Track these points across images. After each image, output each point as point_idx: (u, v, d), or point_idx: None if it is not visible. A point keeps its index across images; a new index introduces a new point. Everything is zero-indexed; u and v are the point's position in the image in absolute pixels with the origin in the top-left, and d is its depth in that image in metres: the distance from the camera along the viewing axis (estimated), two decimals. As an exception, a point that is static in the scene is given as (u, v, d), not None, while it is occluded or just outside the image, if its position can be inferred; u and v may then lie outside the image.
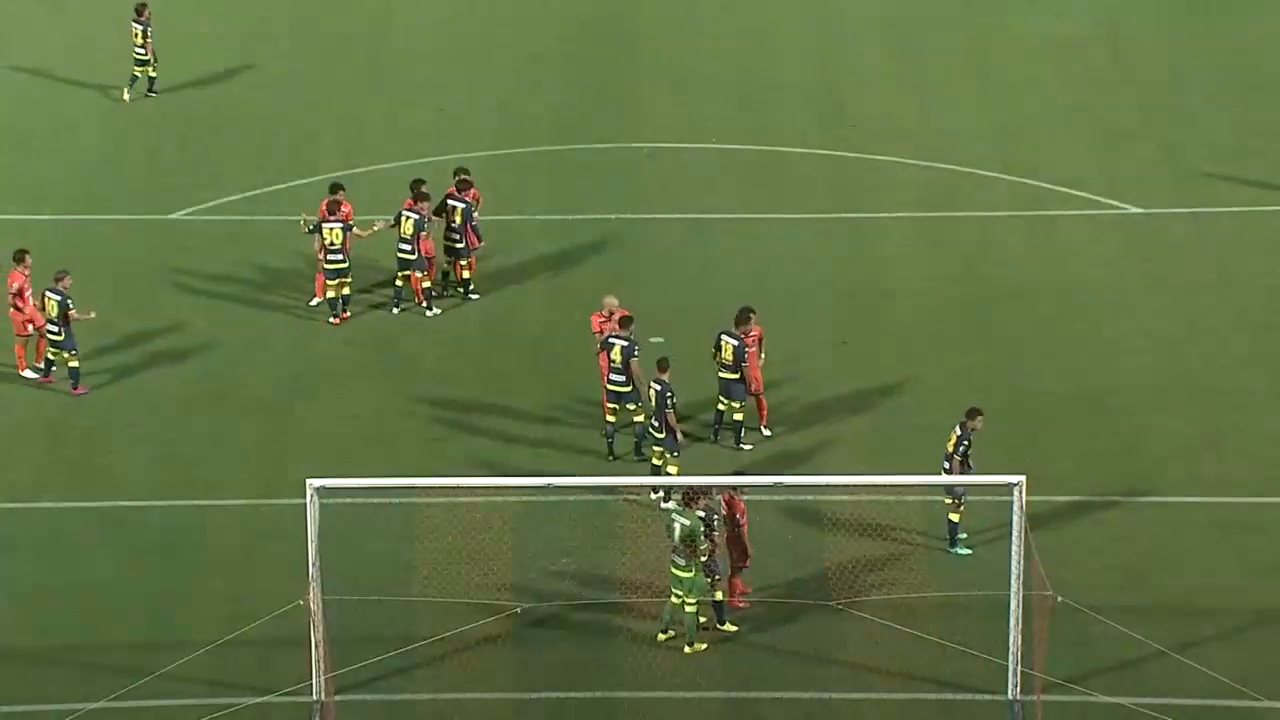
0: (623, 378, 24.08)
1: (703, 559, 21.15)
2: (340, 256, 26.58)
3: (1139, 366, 26.39)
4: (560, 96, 34.04)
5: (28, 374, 25.78)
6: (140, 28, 33.21)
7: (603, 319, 24.78)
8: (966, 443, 22.40)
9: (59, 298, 25.39)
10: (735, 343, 24.38)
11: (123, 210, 30.57)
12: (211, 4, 37.30)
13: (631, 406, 24.17)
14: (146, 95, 33.45)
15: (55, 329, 25.45)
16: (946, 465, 22.60)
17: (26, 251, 26.21)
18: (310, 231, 26.92)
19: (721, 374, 24.45)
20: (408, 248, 27.21)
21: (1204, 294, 28.10)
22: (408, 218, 27.26)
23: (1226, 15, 36.48)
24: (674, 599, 21.17)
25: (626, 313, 24.64)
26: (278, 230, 28.96)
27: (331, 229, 26.54)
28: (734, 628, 21.46)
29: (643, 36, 36.19)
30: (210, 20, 36.63)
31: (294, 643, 20.64)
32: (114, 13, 37.00)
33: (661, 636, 21.28)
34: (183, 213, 30.55)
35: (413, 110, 33.60)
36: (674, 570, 21.15)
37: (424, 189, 27.60)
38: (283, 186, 29.67)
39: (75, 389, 25.31)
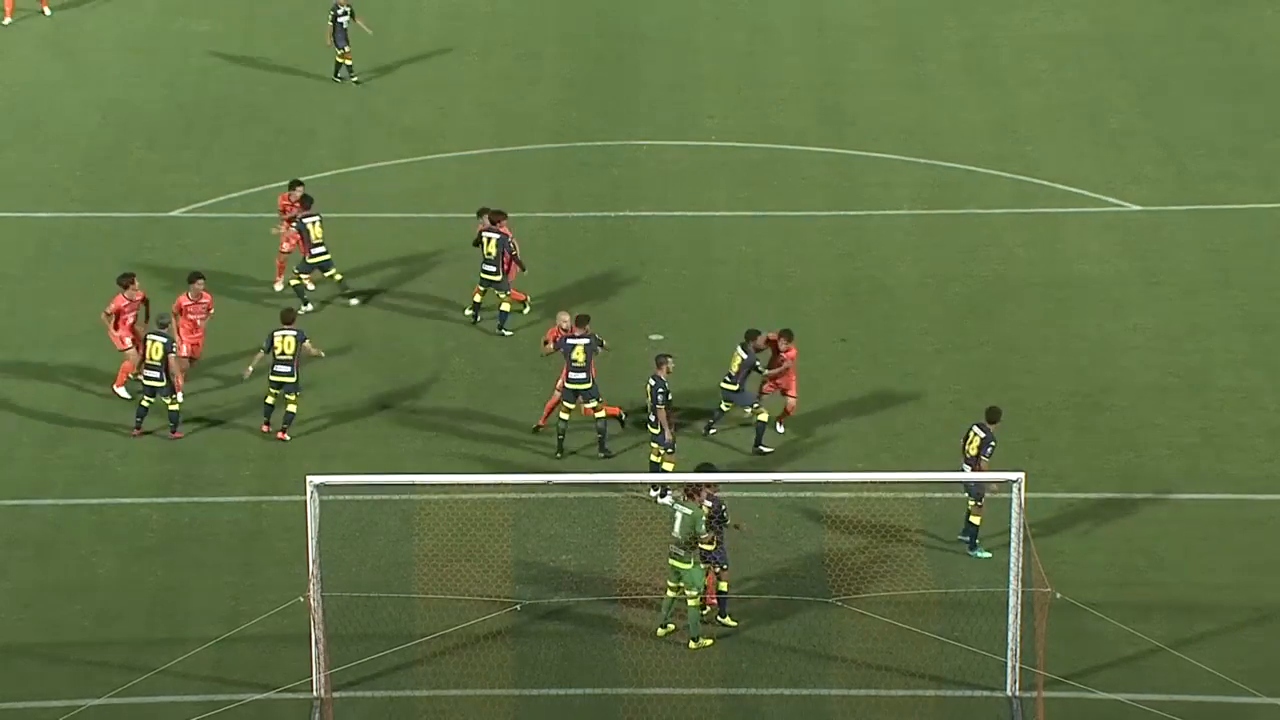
0: (583, 374, 24.13)
1: (709, 548, 21.15)
2: (289, 369, 24.47)
3: (1138, 364, 26.40)
4: (560, 94, 34.07)
5: (120, 391, 24.88)
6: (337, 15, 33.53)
7: (559, 333, 24.71)
8: (993, 445, 22.30)
9: (164, 340, 24.31)
10: (744, 356, 24.32)
11: (123, 207, 30.61)
12: (213, 1, 37.35)
13: (593, 403, 24.20)
14: (354, 82, 33.56)
15: (155, 374, 24.29)
16: (969, 470, 22.45)
17: (133, 276, 25.23)
18: (265, 352, 24.72)
19: (723, 384, 24.37)
20: (491, 269, 26.49)
21: (1203, 292, 28.12)
22: (489, 239, 26.46)
23: (1226, 12, 36.49)
24: (670, 591, 21.19)
25: (567, 318, 24.42)
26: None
27: (284, 337, 24.50)
28: (734, 623, 21.48)
29: (642, 35, 36.22)
30: (211, 17, 36.66)
31: (294, 639, 20.65)
32: (112, 9, 36.99)
33: (661, 631, 21.30)
34: (182, 210, 30.59)
35: (413, 108, 33.62)
36: (673, 562, 21.18)
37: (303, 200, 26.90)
38: (283, 184, 29.67)
39: (174, 433, 24.56)
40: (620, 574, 22.13)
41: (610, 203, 30.41)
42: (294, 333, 24.66)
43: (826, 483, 22.81)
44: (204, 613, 21.69)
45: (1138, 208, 30.38)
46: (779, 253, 29.30)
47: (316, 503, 20.29)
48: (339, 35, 33.69)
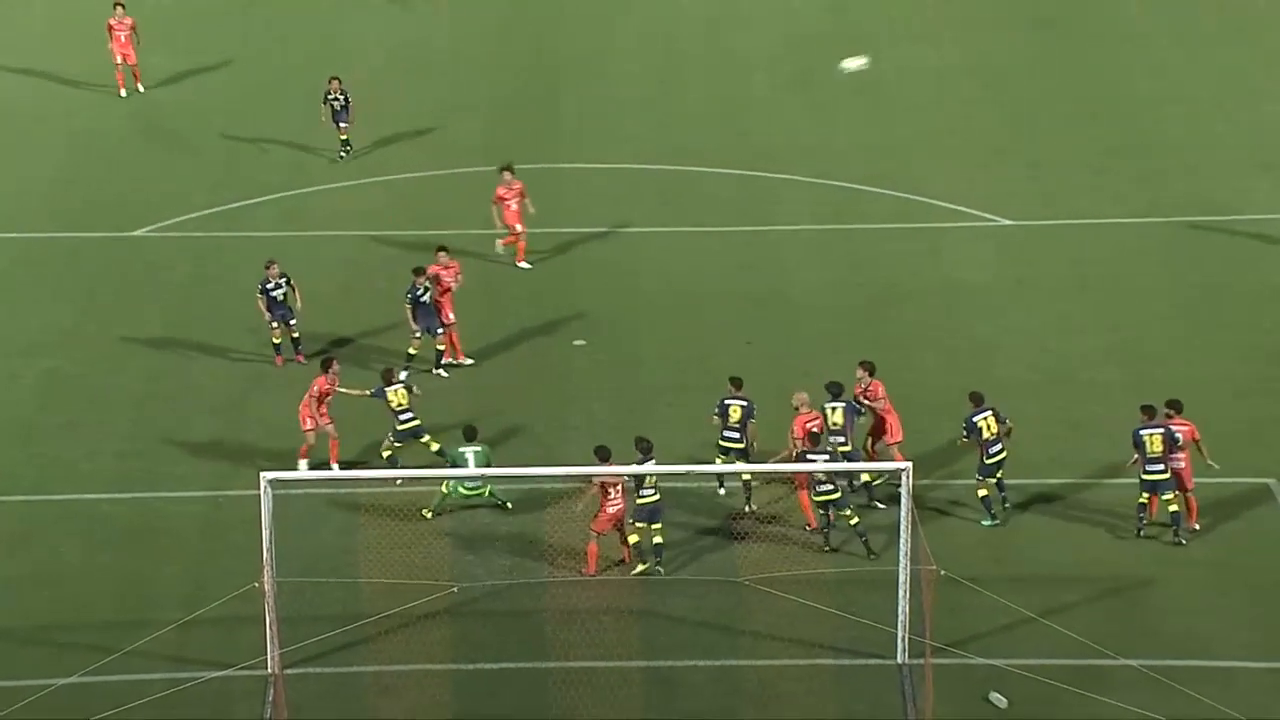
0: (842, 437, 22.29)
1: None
2: (410, 415, 23.23)
3: (1010, 361, 26.68)
4: (489, 120, 33.96)
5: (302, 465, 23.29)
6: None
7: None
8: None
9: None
10: (1162, 431, 21.94)
11: (86, 227, 30.16)
12: (173, 28, 36.91)
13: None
14: (340, 156, 31.66)
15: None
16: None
17: (334, 360, 23.56)
18: (372, 394, 23.53)
19: (1148, 468, 21.80)
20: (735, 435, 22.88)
21: (1065, 296, 28.47)
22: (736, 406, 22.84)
23: (1083, 46, 37.04)
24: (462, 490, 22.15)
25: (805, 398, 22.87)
26: (236, 245, 28.64)
27: (396, 390, 23.30)
28: (642, 565, 21.52)
29: (563, 66, 36.21)
30: (170, 44, 36.25)
31: (250, 621, 20.51)
32: (82, 25, 36.43)
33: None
34: (145, 230, 30.17)
35: (356, 134, 33.35)
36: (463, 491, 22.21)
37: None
38: (240, 204, 29.38)
39: (297, 355, 25.65)
40: (548, 559, 22.10)
41: (536, 220, 30.34)
42: (404, 387, 23.45)
43: (736, 474, 22.83)
44: (167, 598, 21.50)
45: (1009, 222, 30.71)
46: (690, 265, 29.34)
47: (270, 496, 20.13)
48: (336, 115, 31.87)
